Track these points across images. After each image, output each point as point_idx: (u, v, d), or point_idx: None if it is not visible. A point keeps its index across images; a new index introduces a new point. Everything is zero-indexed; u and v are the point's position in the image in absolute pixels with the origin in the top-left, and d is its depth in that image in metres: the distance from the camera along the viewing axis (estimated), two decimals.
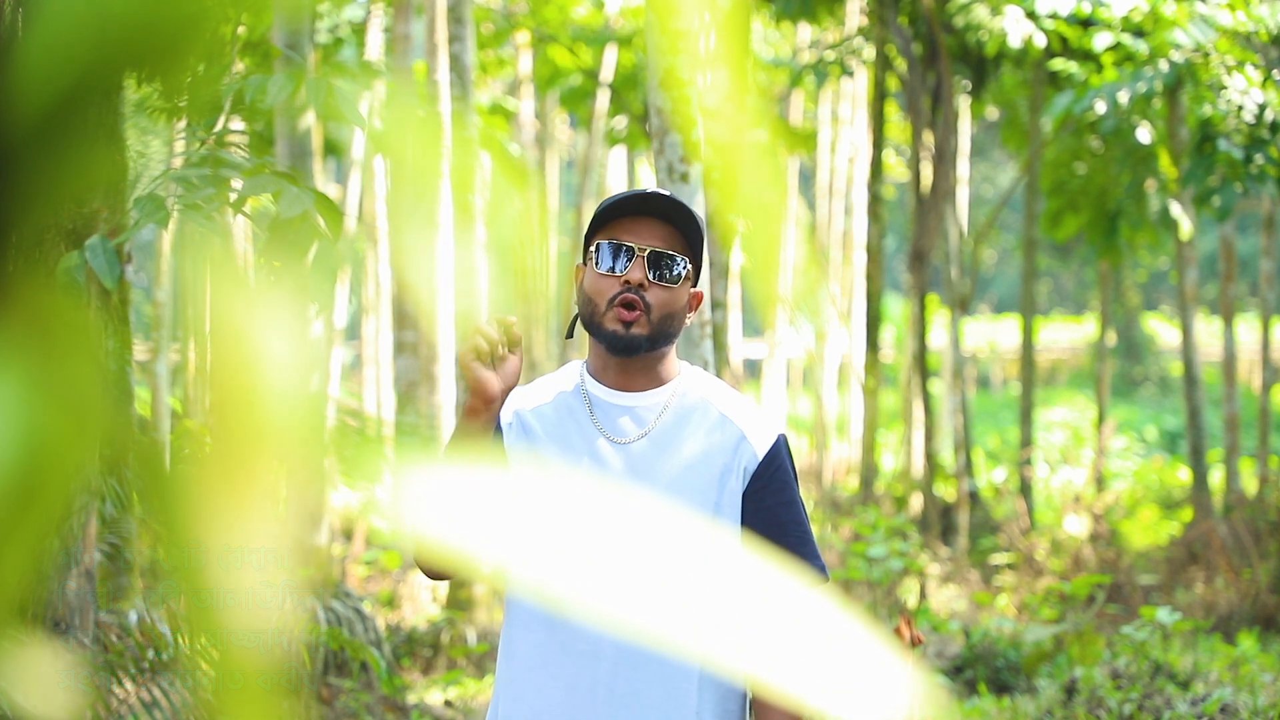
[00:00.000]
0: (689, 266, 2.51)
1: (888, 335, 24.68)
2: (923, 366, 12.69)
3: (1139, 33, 10.15)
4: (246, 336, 0.69)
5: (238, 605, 0.68)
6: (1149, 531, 13.07)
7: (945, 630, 8.56)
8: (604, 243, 2.48)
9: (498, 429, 2.52)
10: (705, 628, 0.74)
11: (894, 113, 16.72)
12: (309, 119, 7.94)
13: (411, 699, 7.21)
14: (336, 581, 7.36)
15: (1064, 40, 10.97)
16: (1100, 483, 14.31)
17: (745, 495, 2.50)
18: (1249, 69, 9.32)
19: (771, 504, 2.50)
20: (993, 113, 18.09)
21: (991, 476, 16.30)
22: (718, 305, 9.69)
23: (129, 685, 4.03)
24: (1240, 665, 7.19)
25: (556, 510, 0.75)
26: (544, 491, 0.76)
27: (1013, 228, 29.70)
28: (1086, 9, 10.14)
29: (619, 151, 17.98)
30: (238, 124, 3.39)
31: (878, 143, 13.09)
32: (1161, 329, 29.63)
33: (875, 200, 13.33)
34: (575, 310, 2.61)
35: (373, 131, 3.16)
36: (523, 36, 15.36)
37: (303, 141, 8.00)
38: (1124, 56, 10.35)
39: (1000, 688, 7.64)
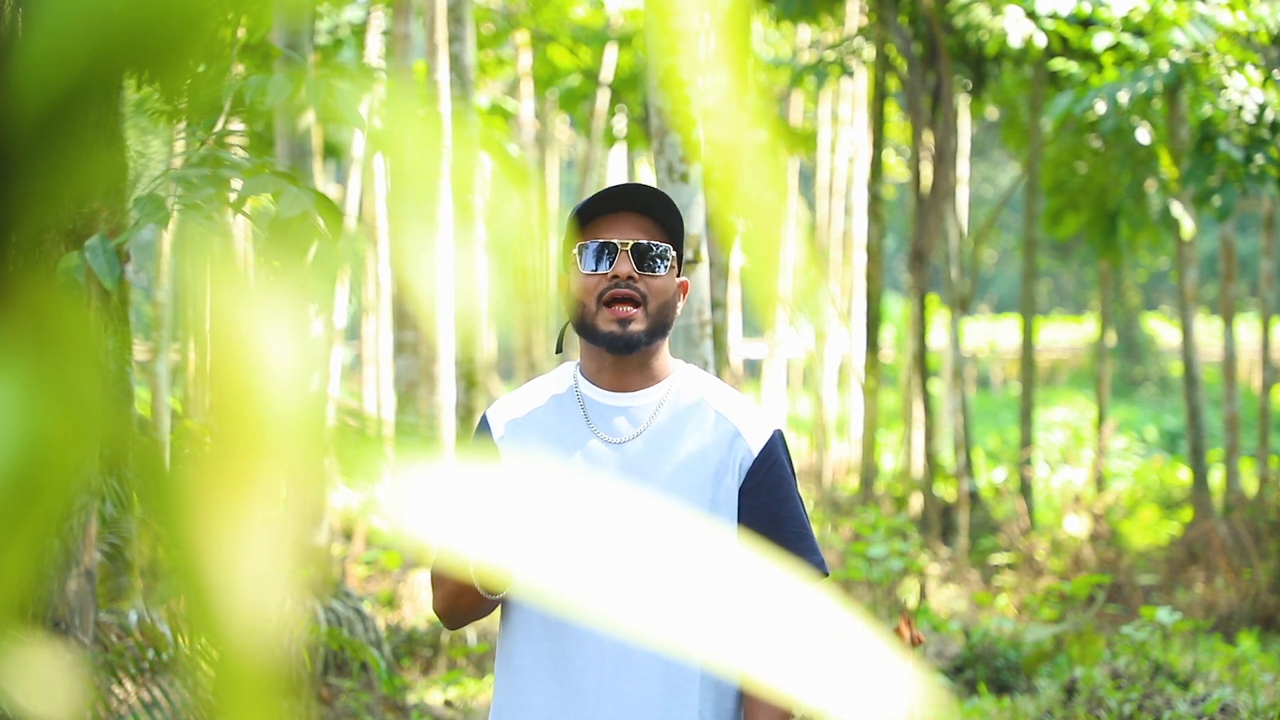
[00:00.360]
0: (674, 255, 2.51)
1: (888, 335, 24.68)
2: (923, 366, 12.69)
3: (1139, 33, 10.15)
4: (246, 336, 0.69)
5: (238, 605, 0.68)
6: (1149, 531, 13.07)
7: (945, 630, 8.56)
8: (586, 244, 2.47)
9: (492, 445, 2.53)
10: (705, 628, 0.74)
11: (894, 113, 16.72)
12: (309, 119, 7.94)
13: (411, 699, 7.21)
14: (336, 581, 7.36)
15: (1064, 40, 10.97)
16: (1100, 483, 14.31)
17: (741, 492, 2.49)
18: (1249, 69, 9.32)
19: (767, 500, 2.49)
20: (993, 113, 18.09)
21: (991, 476, 16.30)
22: (718, 305, 9.70)
23: (129, 685, 4.03)
24: (1240, 665, 7.19)
25: (555, 516, 0.75)
26: (542, 498, 0.76)
27: (1013, 228, 29.70)
28: (1086, 9, 10.14)
29: (619, 151, 17.98)
30: (237, 124, 3.39)
31: (878, 143, 13.09)
32: (1161, 329, 29.62)
33: (875, 200, 13.33)
34: (563, 322, 2.60)
35: (373, 131, 3.16)
36: (522, 36, 15.36)
37: (303, 141, 8.00)
38: (1124, 56, 10.35)
39: (1000, 688, 7.64)
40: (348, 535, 11.01)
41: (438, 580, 2.44)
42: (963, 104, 14.24)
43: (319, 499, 7.50)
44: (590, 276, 2.47)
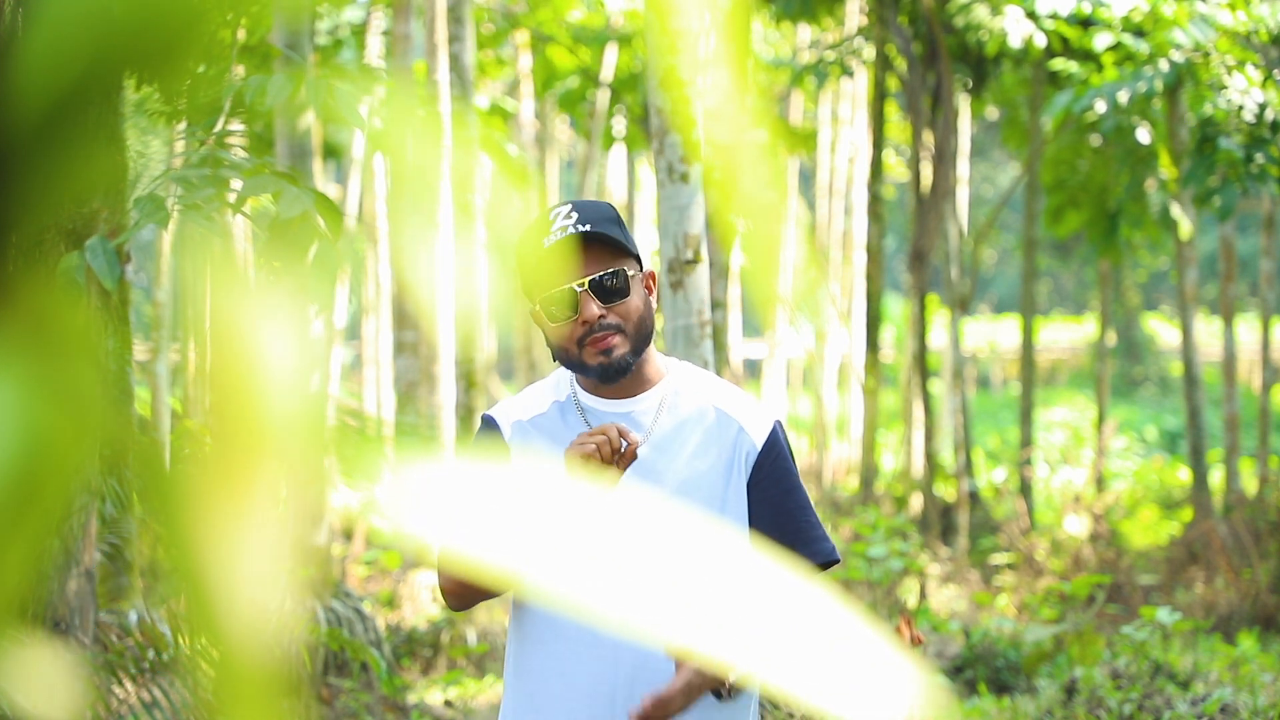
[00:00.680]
0: (633, 266, 2.47)
1: (888, 335, 24.68)
2: (923, 366, 12.69)
3: (1139, 33, 10.15)
4: (246, 336, 0.69)
5: (238, 605, 0.68)
6: (1149, 531, 13.07)
7: (945, 630, 8.56)
8: (545, 299, 2.43)
9: (503, 444, 2.52)
10: (717, 628, 0.74)
11: (894, 113, 16.71)
12: (309, 119, 7.94)
13: (411, 699, 7.21)
14: (336, 581, 7.36)
15: (1064, 40, 10.97)
16: (1100, 483, 14.31)
17: (749, 485, 2.50)
18: (1249, 69, 9.32)
19: (775, 493, 2.50)
20: (993, 112, 18.09)
21: (991, 476, 16.30)
22: (718, 305, 9.69)
23: (129, 685, 4.03)
24: (1240, 665, 7.19)
25: (571, 519, 0.75)
26: (557, 500, 0.76)
27: (1013, 228, 29.70)
28: (1086, 9, 10.14)
29: (619, 152, 17.98)
30: (237, 124, 3.39)
31: (878, 143, 13.09)
32: (1161, 329, 29.62)
33: (875, 200, 13.33)
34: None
35: (373, 131, 3.16)
36: (522, 36, 15.36)
37: (303, 141, 8.00)
38: (1124, 56, 10.35)
39: (1000, 688, 7.64)
40: (348, 535, 11.01)
41: (448, 576, 2.44)
42: (963, 104, 14.23)
43: (319, 499, 7.50)
44: (560, 326, 2.44)
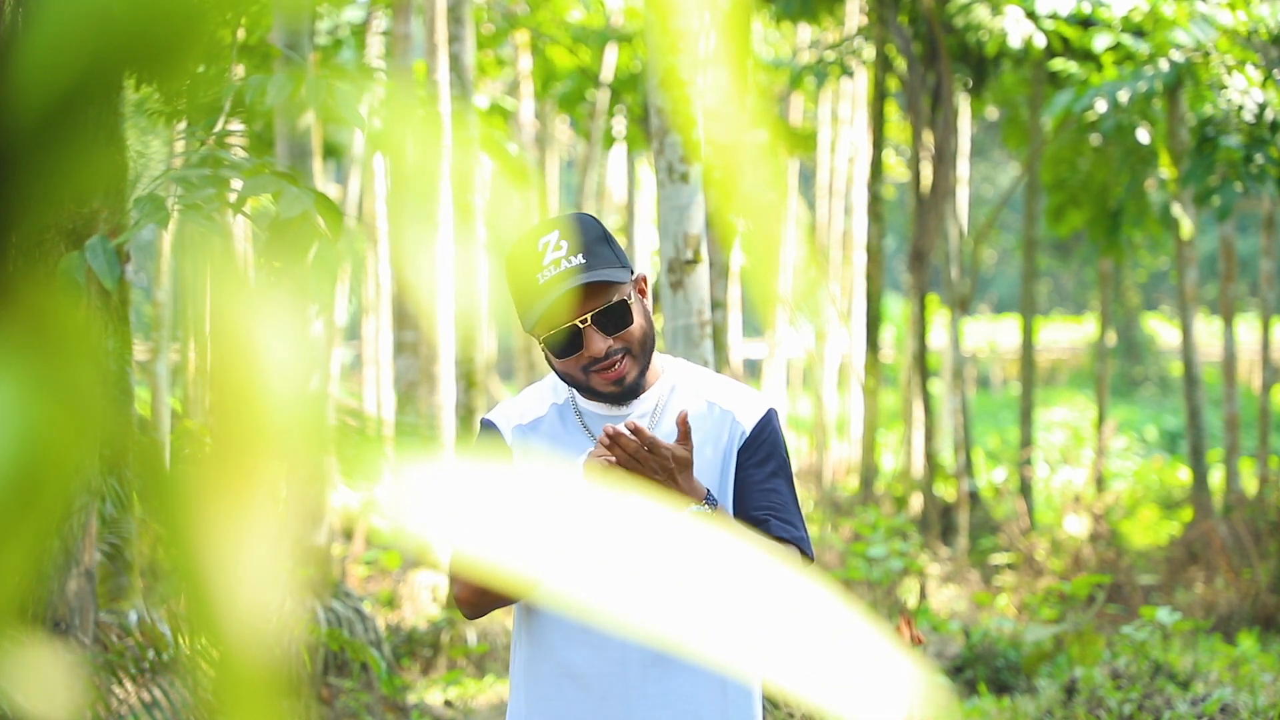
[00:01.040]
0: (628, 286, 2.43)
1: (888, 335, 24.68)
2: (923, 366, 12.69)
3: (1139, 33, 10.15)
4: (246, 336, 0.69)
5: (238, 605, 0.68)
6: (1149, 531, 13.07)
7: (945, 630, 8.56)
8: (549, 338, 2.39)
9: (504, 445, 2.51)
10: (721, 625, 0.74)
11: (894, 113, 16.71)
12: (309, 119, 7.94)
13: (411, 699, 7.21)
14: (336, 581, 7.36)
15: (1064, 40, 10.97)
16: (1100, 483, 14.31)
17: (737, 467, 2.49)
18: (1249, 69, 9.32)
19: (758, 475, 2.47)
20: (993, 112, 18.09)
21: (991, 476, 16.30)
22: (718, 305, 9.69)
23: (129, 685, 4.03)
24: (1240, 665, 7.19)
25: (575, 521, 0.75)
26: (560, 503, 0.76)
27: (1013, 228, 29.70)
28: (1086, 9, 10.14)
29: (619, 152, 17.98)
30: (237, 124, 3.39)
31: (878, 143, 13.09)
32: (1161, 329, 29.62)
33: (875, 200, 13.33)
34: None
35: (373, 132, 3.16)
36: (522, 36, 15.36)
37: (303, 141, 8.00)
38: (1124, 56, 10.35)
39: (1000, 688, 7.64)
40: (348, 535, 11.01)
41: (463, 584, 2.41)
42: (963, 104, 14.23)
43: (319, 499, 7.50)
44: (566, 360, 2.42)
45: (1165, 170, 11.22)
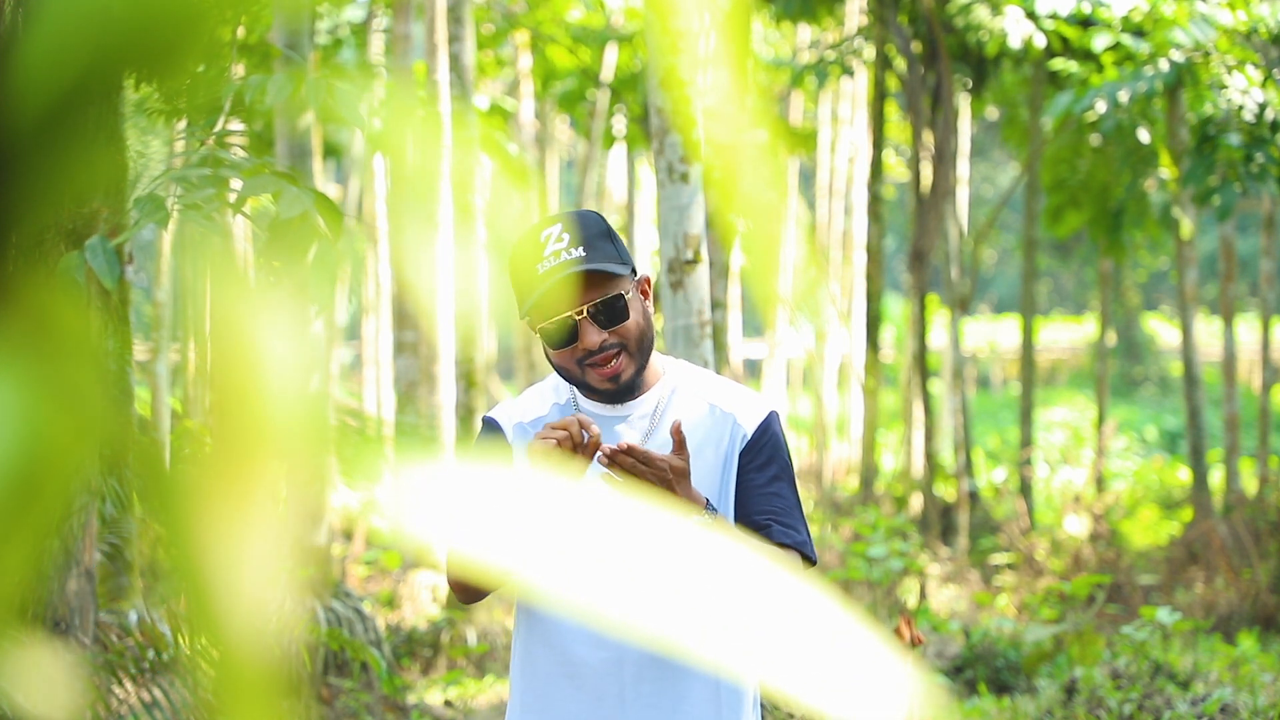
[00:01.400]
0: (628, 282, 2.43)
1: (888, 335, 24.68)
2: (923, 366, 12.69)
3: (1139, 33, 10.15)
4: (246, 336, 0.69)
5: (238, 605, 0.68)
6: (1149, 531, 13.07)
7: (945, 630, 8.56)
8: (544, 328, 2.40)
9: (506, 445, 2.52)
10: (718, 628, 0.74)
11: (894, 113, 16.71)
12: (309, 119, 7.94)
13: (411, 699, 7.21)
14: (336, 581, 7.36)
15: (1064, 40, 10.97)
16: (1100, 483, 14.31)
17: (738, 470, 2.49)
18: (1249, 68, 9.32)
19: (755, 476, 2.47)
20: (993, 112, 18.09)
21: (991, 476, 16.30)
22: (718, 305, 9.69)
23: (129, 685, 4.03)
24: (1240, 665, 7.19)
25: (574, 522, 0.75)
26: (561, 502, 0.76)
27: (1013, 228, 29.70)
28: (1086, 9, 10.14)
29: (619, 151, 17.99)
30: (237, 124, 3.39)
31: (878, 143, 13.09)
32: (1161, 329, 29.62)
33: (875, 200, 13.33)
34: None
35: (372, 132, 3.16)
36: (522, 36, 15.36)
37: (303, 141, 8.00)
38: (1124, 56, 10.35)
39: (1000, 688, 7.64)
40: (348, 535, 11.01)
41: (455, 575, 2.42)
42: (963, 104, 14.23)
43: (319, 499, 7.50)
44: (562, 352, 2.42)
45: (1165, 170, 11.22)
